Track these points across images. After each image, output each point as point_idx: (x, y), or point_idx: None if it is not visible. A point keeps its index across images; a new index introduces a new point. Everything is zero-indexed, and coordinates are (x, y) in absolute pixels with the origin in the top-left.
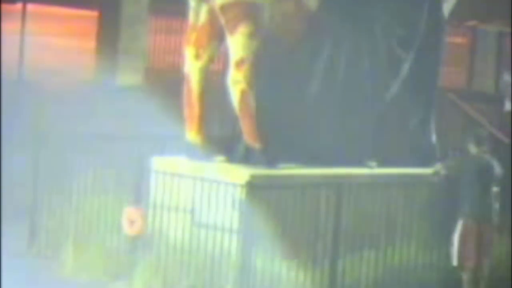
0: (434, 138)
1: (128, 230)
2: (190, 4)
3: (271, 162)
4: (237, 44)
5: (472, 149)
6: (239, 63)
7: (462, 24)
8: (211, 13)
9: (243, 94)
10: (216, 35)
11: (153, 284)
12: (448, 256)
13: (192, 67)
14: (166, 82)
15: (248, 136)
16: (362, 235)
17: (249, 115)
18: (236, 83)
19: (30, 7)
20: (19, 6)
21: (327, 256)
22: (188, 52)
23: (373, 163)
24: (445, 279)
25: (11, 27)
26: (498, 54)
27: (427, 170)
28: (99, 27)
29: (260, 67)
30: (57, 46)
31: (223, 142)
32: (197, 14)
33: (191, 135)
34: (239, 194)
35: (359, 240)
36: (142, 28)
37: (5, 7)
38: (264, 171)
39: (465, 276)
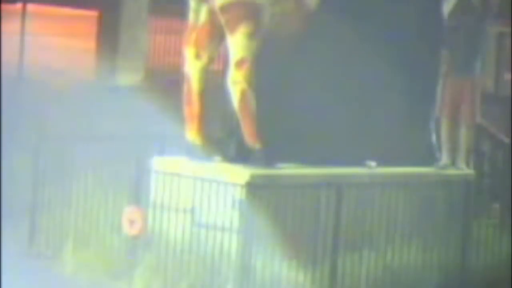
0: (434, 137)
1: (128, 230)
2: (190, 4)
3: (271, 162)
4: (237, 44)
5: None
6: (239, 63)
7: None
8: (211, 13)
9: (243, 94)
10: (216, 35)
11: (153, 284)
12: (448, 256)
13: (192, 67)
14: (166, 82)
15: (248, 136)
16: (362, 235)
17: (249, 115)
18: (236, 83)
19: (30, 7)
20: (19, 6)
21: (327, 256)
22: (188, 52)
23: (373, 163)
24: (445, 279)
25: (11, 27)
26: (498, 54)
27: (427, 170)
28: (99, 27)
29: (260, 67)
30: (57, 46)
31: (223, 142)
32: (197, 14)
33: (191, 135)
34: (239, 194)
35: (359, 240)
36: (142, 28)
37: (5, 7)
38: (264, 171)
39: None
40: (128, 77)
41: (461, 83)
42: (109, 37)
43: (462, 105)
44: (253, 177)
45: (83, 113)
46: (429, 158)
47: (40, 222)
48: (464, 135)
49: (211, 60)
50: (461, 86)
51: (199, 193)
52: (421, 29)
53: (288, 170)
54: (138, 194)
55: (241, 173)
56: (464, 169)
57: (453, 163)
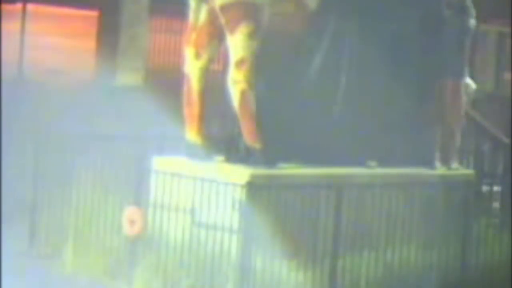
0: (433, 138)
1: (128, 230)
2: (190, 4)
3: (271, 162)
4: (237, 44)
5: None
6: (239, 63)
7: None
8: (211, 13)
9: (243, 94)
10: (216, 35)
11: (153, 284)
12: (448, 256)
13: (192, 67)
14: (166, 82)
15: (248, 136)
16: (362, 235)
17: (249, 115)
18: (236, 83)
19: (30, 7)
20: (19, 6)
21: (327, 256)
22: (188, 52)
23: (373, 163)
24: (445, 279)
25: (11, 27)
26: (498, 54)
27: (427, 171)
28: (99, 27)
29: (260, 67)
30: (57, 46)
31: (223, 142)
32: (197, 14)
33: (191, 135)
34: (239, 194)
35: (359, 240)
36: (142, 28)
37: (5, 7)
38: (264, 171)
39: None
40: (128, 77)
41: (452, 84)
42: (109, 37)
43: (453, 106)
44: (253, 177)
45: (83, 113)
46: (429, 158)
47: (40, 222)
48: (454, 135)
49: (211, 60)
50: (452, 87)
51: (199, 193)
52: (421, 30)
53: (288, 170)
54: (138, 194)
55: (241, 173)
56: (458, 169)
57: (446, 162)
